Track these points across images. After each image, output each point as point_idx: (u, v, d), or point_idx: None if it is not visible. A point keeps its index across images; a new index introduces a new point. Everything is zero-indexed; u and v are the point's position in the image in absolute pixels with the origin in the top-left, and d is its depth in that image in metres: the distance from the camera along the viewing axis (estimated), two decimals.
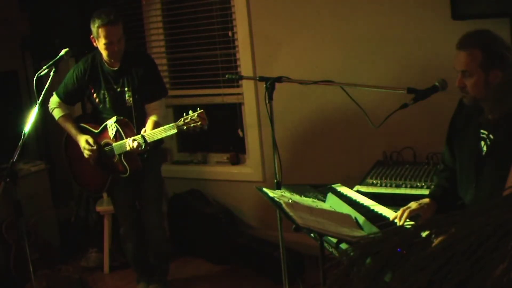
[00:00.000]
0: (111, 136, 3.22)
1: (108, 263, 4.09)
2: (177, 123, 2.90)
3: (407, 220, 2.27)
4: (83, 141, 3.27)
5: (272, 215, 3.14)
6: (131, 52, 3.32)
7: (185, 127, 2.87)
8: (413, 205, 2.31)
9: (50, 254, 4.11)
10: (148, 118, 3.23)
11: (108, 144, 3.27)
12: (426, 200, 2.37)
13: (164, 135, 2.98)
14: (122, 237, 3.64)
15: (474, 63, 2.13)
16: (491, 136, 2.21)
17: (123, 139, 3.14)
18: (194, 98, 4.45)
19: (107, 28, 3.08)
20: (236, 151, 4.38)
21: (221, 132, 4.67)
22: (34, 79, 2.86)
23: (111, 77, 3.27)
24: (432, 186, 2.60)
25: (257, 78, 2.88)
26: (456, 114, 2.42)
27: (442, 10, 3.18)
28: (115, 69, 3.26)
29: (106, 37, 3.10)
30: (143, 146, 3.03)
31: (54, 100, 3.43)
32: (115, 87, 3.27)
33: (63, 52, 3.04)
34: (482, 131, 2.24)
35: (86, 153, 3.28)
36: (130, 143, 3.04)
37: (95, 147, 3.25)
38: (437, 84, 2.35)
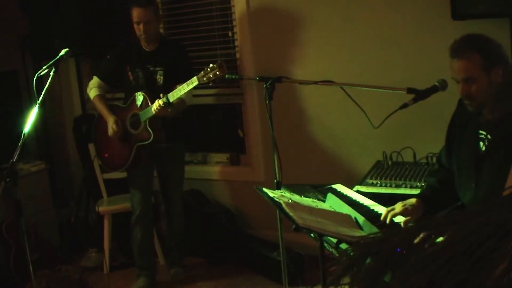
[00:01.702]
0: (138, 105, 3.48)
1: (108, 263, 4.08)
2: (197, 75, 3.12)
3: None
4: (112, 121, 3.55)
5: (272, 215, 3.14)
6: (167, 38, 3.70)
7: (205, 78, 3.08)
8: (398, 207, 2.28)
9: (50, 254, 4.11)
10: None
11: (135, 115, 3.52)
12: (413, 200, 2.33)
13: (186, 89, 3.20)
14: (132, 225, 3.71)
15: (476, 67, 2.13)
16: (489, 136, 2.21)
17: (149, 106, 3.39)
18: (194, 98, 4.44)
19: (136, 9, 3.44)
20: (236, 151, 4.38)
21: (221, 132, 4.67)
22: (34, 79, 2.86)
23: (146, 57, 3.57)
24: (423, 185, 2.59)
25: (257, 78, 2.88)
26: (456, 114, 2.42)
27: (442, 10, 3.18)
28: (150, 50, 3.57)
29: (134, 17, 3.46)
30: (168, 104, 3.25)
31: (93, 81, 3.74)
32: (148, 66, 3.55)
33: (63, 52, 3.04)
34: (480, 131, 2.25)
35: (110, 131, 3.55)
36: (155, 103, 3.28)
37: (120, 130, 3.54)
38: (437, 84, 2.35)
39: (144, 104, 3.43)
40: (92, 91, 3.70)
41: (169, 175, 3.78)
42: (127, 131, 3.58)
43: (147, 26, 3.46)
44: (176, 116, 3.47)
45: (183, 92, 3.22)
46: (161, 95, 3.27)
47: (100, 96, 3.69)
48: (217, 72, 3.03)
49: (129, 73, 3.59)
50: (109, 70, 3.72)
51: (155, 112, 3.30)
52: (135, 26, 3.48)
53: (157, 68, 3.54)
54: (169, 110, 3.29)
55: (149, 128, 3.43)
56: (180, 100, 3.34)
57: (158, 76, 3.54)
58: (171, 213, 3.85)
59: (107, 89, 3.78)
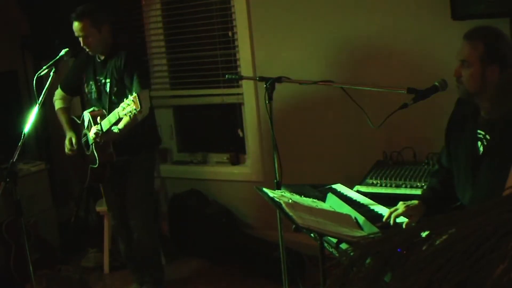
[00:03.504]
0: (85, 127, 3.28)
1: (108, 263, 4.09)
2: (118, 109, 2.89)
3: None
4: (67, 139, 3.40)
5: (272, 215, 3.14)
6: (117, 44, 3.35)
7: (123, 112, 2.85)
8: (400, 207, 2.30)
9: (50, 254, 4.11)
10: None
11: (85, 135, 3.32)
12: (415, 202, 2.35)
13: (112, 121, 2.98)
14: (114, 234, 3.70)
15: (474, 54, 2.14)
16: (487, 136, 2.21)
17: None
18: (194, 98, 4.45)
19: (73, 23, 3.20)
20: (236, 151, 4.38)
21: (221, 132, 4.67)
22: (34, 79, 2.86)
23: (98, 68, 3.34)
24: (423, 185, 2.59)
25: (257, 78, 2.88)
26: (454, 113, 2.42)
27: (442, 10, 3.18)
28: (100, 60, 3.33)
29: (73, 30, 3.21)
30: (100, 134, 3.04)
31: (57, 91, 3.55)
32: (100, 78, 3.32)
33: (63, 52, 3.05)
34: (479, 131, 2.25)
35: (66, 150, 3.41)
36: (91, 131, 3.09)
37: (75, 148, 3.35)
38: (437, 84, 2.35)
39: (90, 127, 3.20)
40: (56, 103, 3.54)
41: (127, 187, 3.45)
42: (83, 150, 3.38)
43: (86, 39, 3.19)
44: (122, 135, 3.10)
45: (110, 124, 2.99)
46: (98, 118, 3.07)
47: (63, 109, 3.51)
48: (133, 107, 2.78)
49: (85, 85, 3.40)
50: (68, 82, 3.53)
51: (93, 139, 3.10)
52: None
53: (107, 80, 3.28)
54: (102, 140, 3.06)
55: (95, 152, 3.20)
56: (132, 117, 2.96)
57: (107, 89, 3.27)
58: (132, 230, 3.51)
59: (71, 99, 3.61)
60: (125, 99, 2.84)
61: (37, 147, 4.75)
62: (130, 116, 2.86)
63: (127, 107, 2.81)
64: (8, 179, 2.71)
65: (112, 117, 2.96)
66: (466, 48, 2.17)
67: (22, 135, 2.77)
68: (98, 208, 4.12)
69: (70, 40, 3.90)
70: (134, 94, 2.80)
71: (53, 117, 4.17)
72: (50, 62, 2.96)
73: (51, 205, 4.42)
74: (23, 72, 4.62)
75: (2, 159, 3.84)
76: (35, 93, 2.82)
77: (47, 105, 3.50)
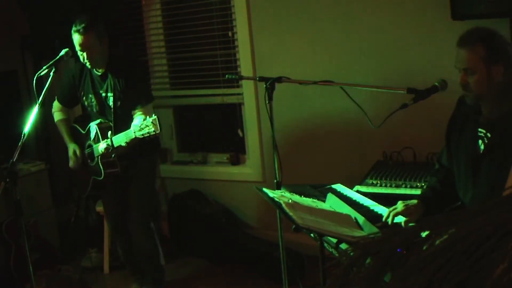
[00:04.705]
0: (91, 138, 3.26)
1: (108, 263, 4.09)
2: (133, 128, 2.87)
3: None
4: (71, 150, 3.39)
5: (272, 215, 3.14)
6: (117, 57, 3.35)
7: (141, 133, 2.83)
8: (399, 206, 2.30)
9: (50, 254, 4.11)
10: None
11: (90, 146, 3.31)
12: (414, 201, 2.35)
13: (125, 139, 2.96)
14: (111, 238, 3.73)
15: (476, 59, 2.11)
16: (488, 135, 2.21)
17: (100, 141, 3.14)
18: (194, 98, 4.45)
19: (75, 36, 3.12)
20: (236, 151, 4.39)
21: (221, 132, 4.67)
22: (34, 79, 2.86)
23: (97, 81, 3.29)
24: (423, 185, 2.59)
25: (257, 78, 2.88)
26: (455, 112, 2.41)
27: (442, 11, 3.18)
28: (99, 73, 3.27)
29: (75, 43, 3.13)
30: (110, 149, 3.03)
31: (54, 104, 3.53)
32: (100, 91, 3.28)
33: (63, 52, 3.05)
34: (480, 129, 2.24)
35: (70, 162, 3.40)
36: (101, 145, 3.07)
37: (80, 161, 3.37)
38: (437, 84, 2.35)
39: (97, 139, 3.19)
40: (55, 115, 3.52)
41: (128, 192, 3.46)
42: (86, 160, 3.38)
43: (90, 53, 3.12)
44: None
45: (122, 141, 2.98)
46: (109, 133, 3.03)
47: (62, 121, 3.50)
48: (152, 129, 2.78)
49: (83, 98, 3.36)
50: (64, 95, 3.48)
51: (102, 153, 3.10)
52: (78, 52, 3.15)
53: (108, 94, 3.24)
54: (112, 155, 3.09)
55: (100, 165, 3.20)
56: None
57: (110, 103, 3.24)
58: (132, 234, 3.53)
59: (70, 110, 3.62)
60: (143, 120, 2.84)
61: (37, 147, 4.74)
62: (148, 137, 2.84)
63: (145, 128, 2.81)
64: (8, 179, 2.71)
65: (128, 134, 2.93)
66: (465, 55, 2.14)
67: (22, 135, 2.77)
68: (98, 208, 4.12)
69: (70, 40, 3.91)
70: (154, 117, 2.80)
71: (53, 117, 4.17)
72: (50, 62, 2.96)
73: (51, 205, 4.42)
74: (23, 72, 4.61)
75: (2, 159, 3.84)
76: (35, 93, 2.82)
77: (47, 105, 3.50)
